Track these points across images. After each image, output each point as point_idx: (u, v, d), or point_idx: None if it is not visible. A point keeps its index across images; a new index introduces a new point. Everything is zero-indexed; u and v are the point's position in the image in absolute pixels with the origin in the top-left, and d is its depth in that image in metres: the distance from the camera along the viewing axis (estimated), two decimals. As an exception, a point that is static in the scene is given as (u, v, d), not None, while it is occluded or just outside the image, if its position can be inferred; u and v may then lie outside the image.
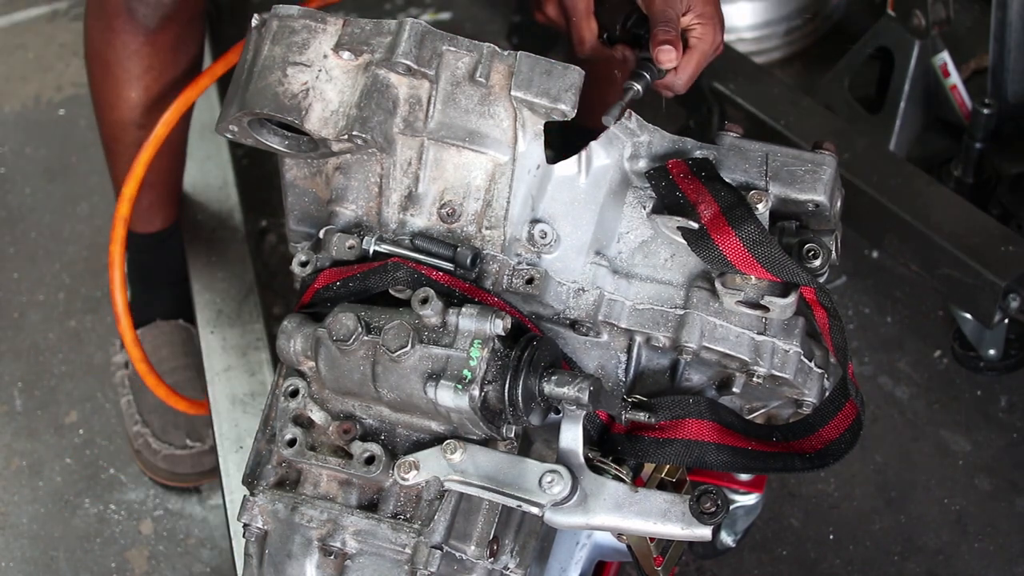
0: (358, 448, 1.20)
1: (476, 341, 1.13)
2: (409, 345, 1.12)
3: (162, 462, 2.01)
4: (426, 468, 1.17)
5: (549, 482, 1.13)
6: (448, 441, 1.16)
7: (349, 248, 1.24)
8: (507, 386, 1.13)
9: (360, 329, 1.14)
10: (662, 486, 1.27)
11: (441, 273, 1.20)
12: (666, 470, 1.28)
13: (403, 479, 1.17)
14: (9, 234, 2.46)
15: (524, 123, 1.21)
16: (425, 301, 1.14)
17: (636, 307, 1.25)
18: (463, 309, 1.14)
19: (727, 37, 2.30)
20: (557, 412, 1.20)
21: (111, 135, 1.93)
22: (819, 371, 1.29)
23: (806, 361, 1.26)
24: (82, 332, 2.26)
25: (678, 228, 1.22)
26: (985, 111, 2.05)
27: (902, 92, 2.23)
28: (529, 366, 1.14)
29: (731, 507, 1.63)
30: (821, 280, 1.21)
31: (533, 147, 1.22)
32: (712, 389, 1.31)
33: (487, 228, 1.22)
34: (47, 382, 2.19)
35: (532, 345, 1.16)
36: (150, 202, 2.03)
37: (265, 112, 1.20)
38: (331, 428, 1.22)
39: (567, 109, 1.18)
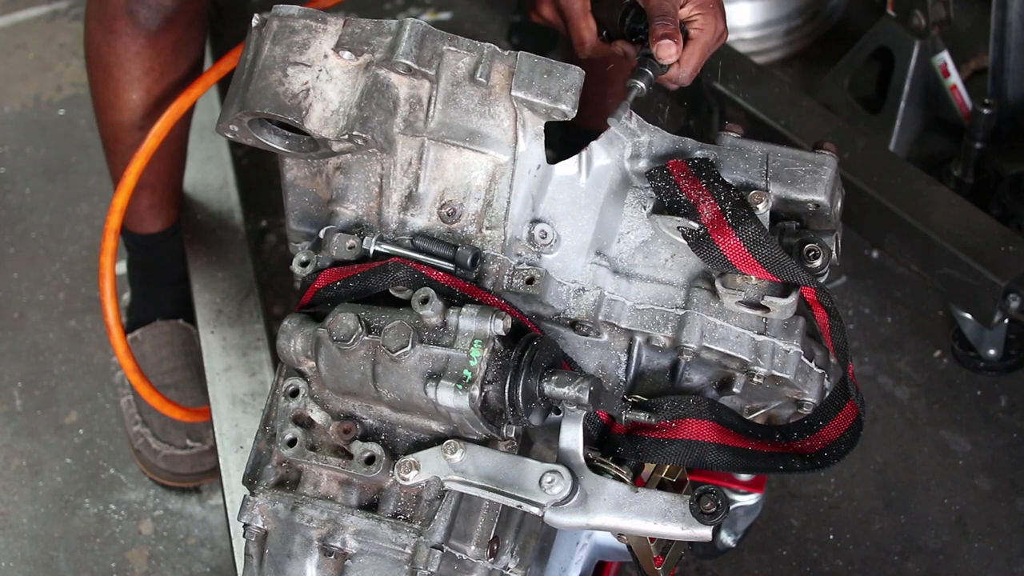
0: (358, 448, 1.20)
1: (476, 341, 1.13)
2: (409, 345, 1.12)
3: (162, 462, 2.01)
4: (426, 468, 1.17)
5: (549, 482, 1.13)
6: (448, 441, 1.16)
7: (349, 248, 1.24)
8: (507, 386, 1.13)
9: (360, 329, 1.14)
10: (662, 486, 1.27)
11: (441, 273, 1.20)
12: (666, 470, 1.28)
13: (403, 479, 1.17)
14: (9, 234, 2.46)
15: (524, 123, 1.21)
16: (425, 301, 1.14)
17: (636, 307, 1.25)
18: (463, 309, 1.14)
19: (728, 37, 2.31)
20: (557, 412, 1.20)
21: (111, 136, 1.93)
22: (819, 371, 1.29)
23: (806, 361, 1.26)
24: (82, 332, 2.26)
25: (678, 228, 1.22)
26: (985, 111, 2.05)
27: (902, 92, 2.23)
28: (529, 366, 1.14)
29: (731, 507, 1.63)
30: (821, 280, 1.21)
31: (533, 147, 1.22)
32: (712, 389, 1.31)
33: (487, 228, 1.22)
34: (47, 382, 2.19)
35: (532, 345, 1.16)
36: (151, 204, 2.03)
37: (265, 112, 1.20)
38: (331, 428, 1.22)
39: (567, 109, 1.18)
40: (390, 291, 1.22)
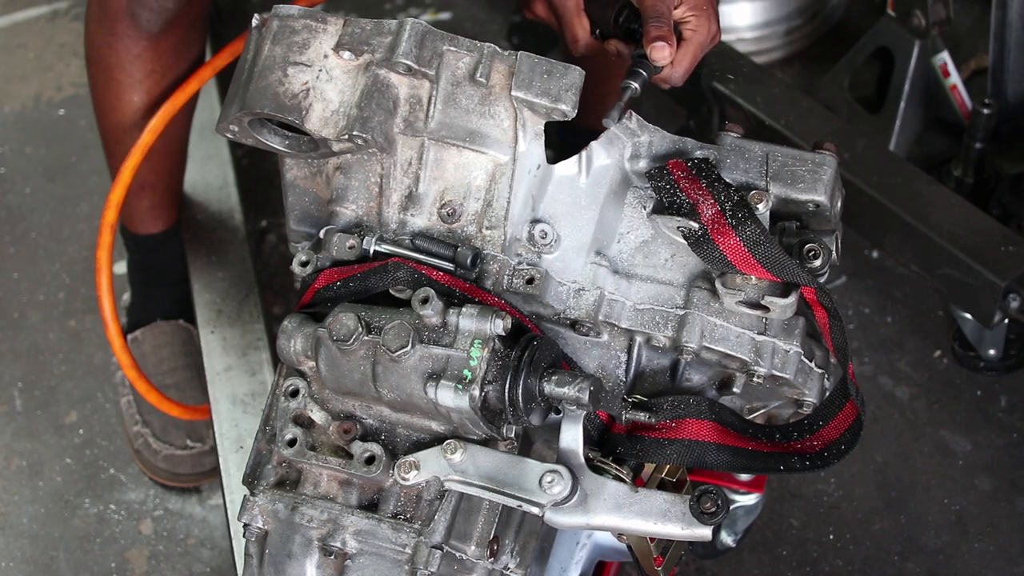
0: (358, 448, 1.20)
1: (476, 341, 1.13)
2: (409, 345, 1.12)
3: (162, 462, 2.01)
4: (426, 468, 1.17)
5: (549, 482, 1.13)
6: (448, 441, 1.16)
7: (349, 248, 1.24)
8: (507, 386, 1.13)
9: (360, 329, 1.14)
10: (662, 486, 1.27)
11: (441, 273, 1.20)
12: (666, 470, 1.28)
13: (403, 479, 1.17)
14: (9, 234, 2.46)
15: (524, 123, 1.21)
16: (425, 301, 1.14)
17: (636, 307, 1.25)
18: (463, 309, 1.14)
19: (727, 37, 2.32)
20: (557, 412, 1.20)
21: (112, 138, 1.93)
22: (819, 371, 1.29)
23: (806, 361, 1.26)
24: (82, 332, 2.25)
25: (678, 228, 1.22)
26: (985, 111, 2.05)
27: (902, 92, 2.23)
28: (529, 366, 1.14)
29: (731, 507, 1.63)
30: (821, 280, 1.21)
31: (533, 147, 1.22)
32: (712, 389, 1.31)
33: (487, 228, 1.22)
34: (47, 382, 2.19)
35: (532, 345, 1.16)
36: (151, 204, 2.03)
37: (265, 112, 1.20)
38: (331, 428, 1.22)
39: (567, 109, 1.18)
40: (390, 291, 1.22)
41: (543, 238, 1.24)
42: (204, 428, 2.01)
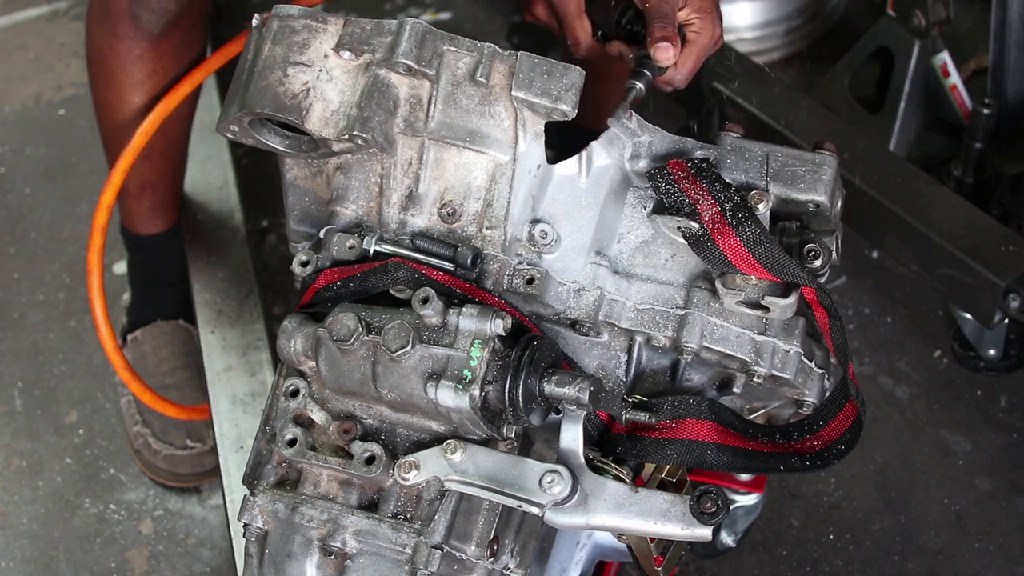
0: (358, 448, 1.20)
1: (476, 341, 1.13)
2: (409, 345, 1.12)
3: (162, 462, 2.01)
4: (426, 468, 1.17)
5: (549, 482, 1.13)
6: (448, 441, 1.16)
7: (350, 248, 1.24)
8: (507, 386, 1.13)
9: (360, 329, 1.14)
10: (662, 486, 1.27)
11: (441, 273, 1.20)
12: (666, 470, 1.28)
13: (403, 479, 1.17)
14: (9, 234, 2.46)
15: (525, 123, 1.21)
16: (425, 301, 1.14)
17: (636, 307, 1.25)
18: (463, 309, 1.14)
19: (727, 37, 2.31)
20: (557, 412, 1.20)
21: (113, 138, 1.93)
22: (819, 371, 1.29)
23: (806, 361, 1.26)
24: (82, 332, 2.25)
25: (678, 228, 1.22)
26: (985, 111, 2.05)
27: (902, 92, 2.23)
28: (529, 366, 1.14)
29: (731, 507, 1.63)
30: (821, 280, 1.21)
31: (534, 147, 1.22)
32: (712, 389, 1.31)
33: (487, 228, 1.22)
34: (47, 382, 2.19)
35: (532, 345, 1.16)
36: (151, 205, 2.03)
37: (266, 112, 1.20)
38: (331, 428, 1.22)
39: (568, 109, 1.18)
40: (390, 291, 1.22)
41: (543, 238, 1.24)
42: (204, 428, 2.01)
